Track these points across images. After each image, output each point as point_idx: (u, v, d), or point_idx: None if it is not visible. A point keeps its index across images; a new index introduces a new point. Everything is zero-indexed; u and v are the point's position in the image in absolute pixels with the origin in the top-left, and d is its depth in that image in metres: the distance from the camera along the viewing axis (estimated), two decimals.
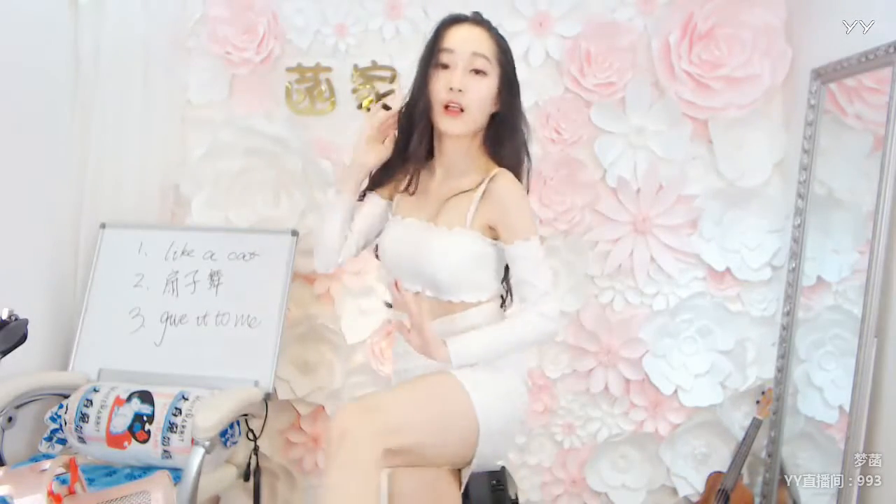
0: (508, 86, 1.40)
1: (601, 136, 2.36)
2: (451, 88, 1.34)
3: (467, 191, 1.41)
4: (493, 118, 1.44)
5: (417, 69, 1.42)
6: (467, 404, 1.38)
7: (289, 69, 2.45)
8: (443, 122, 1.38)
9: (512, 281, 1.47)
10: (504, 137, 1.42)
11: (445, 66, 1.36)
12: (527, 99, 2.32)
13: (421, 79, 1.40)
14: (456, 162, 1.46)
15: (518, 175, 1.46)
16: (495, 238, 1.43)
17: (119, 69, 2.32)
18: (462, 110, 1.35)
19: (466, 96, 1.34)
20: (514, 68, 1.42)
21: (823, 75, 2.11)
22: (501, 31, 2.31)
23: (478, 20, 1.40)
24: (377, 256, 1.61)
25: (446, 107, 1.36)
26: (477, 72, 1.35)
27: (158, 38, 2.38)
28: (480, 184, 1.40)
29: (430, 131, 1.46)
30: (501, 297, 1.58)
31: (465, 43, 1.34)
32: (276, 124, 2.43)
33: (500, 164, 1.44)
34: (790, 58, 2.27)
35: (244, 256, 2.28)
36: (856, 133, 2.05)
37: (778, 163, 2.33)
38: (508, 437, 1.52)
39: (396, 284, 1.38)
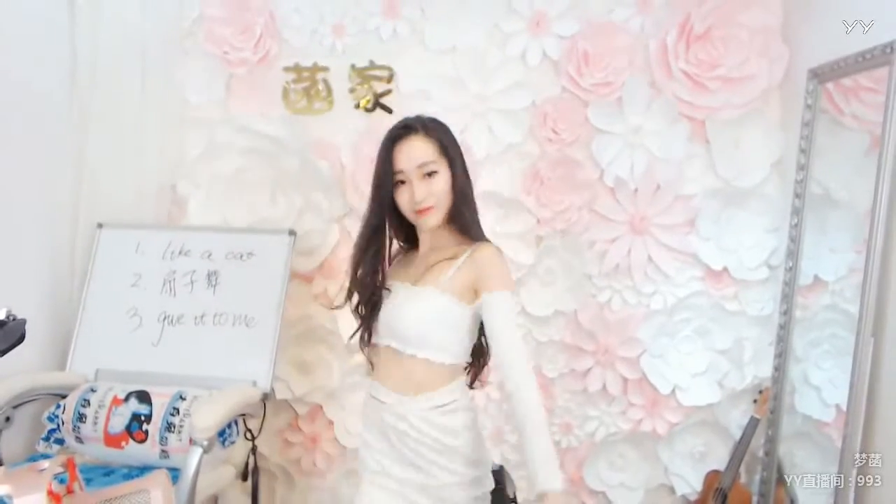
0: (456, 167, 1.54)
1: (598, 135, 2.36)
2: (414, 201, 1.50)
3: (450, 258, 1.54)
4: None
5: (376, 186, 1.54)
6: None
7: (286, 69, 2.45)
8: (420, 222, 1.53)
9: (487, 333, 1.51)
10: (462, 206, 1.55)
11: (403, 182, 1.51)
12: (524, 99, 2.37)
13: (384, 195, 1.53)
14: (437, 239, 1.59)
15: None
16: (471, 303, 1.51)
17: (116, 69, 2.31)
18: (431, 207, 1.51)
19: (430, 198, 1.50)
20: (457, 150, 1.56)
21: (820, 75, 2.11)
22: (499, 32, 2.37)
23: (413, 128, 1.52)
24: None
25: (418, 211, 1.51)
26: (430, 174, 1.50)
27: (155, 38, 2.38)
28: (464, 252, 1.54)
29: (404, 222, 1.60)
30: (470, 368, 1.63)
31: (410, 160, 1.49)
32: (274, 124, 2.43)
33: (466, 234, 1.57)
34: (787, 58, 2.28)
35: (241, 256, 2.28)
36: (853, 133, 2.06)
37: (775, 162, 2.34)
38: None
39: None
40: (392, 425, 1.50)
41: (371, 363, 1.64)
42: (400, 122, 1.56)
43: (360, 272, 1.58)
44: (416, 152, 1.50)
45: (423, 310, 1.50)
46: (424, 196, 1.49)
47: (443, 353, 1.51)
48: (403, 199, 1.52)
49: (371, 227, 1.57)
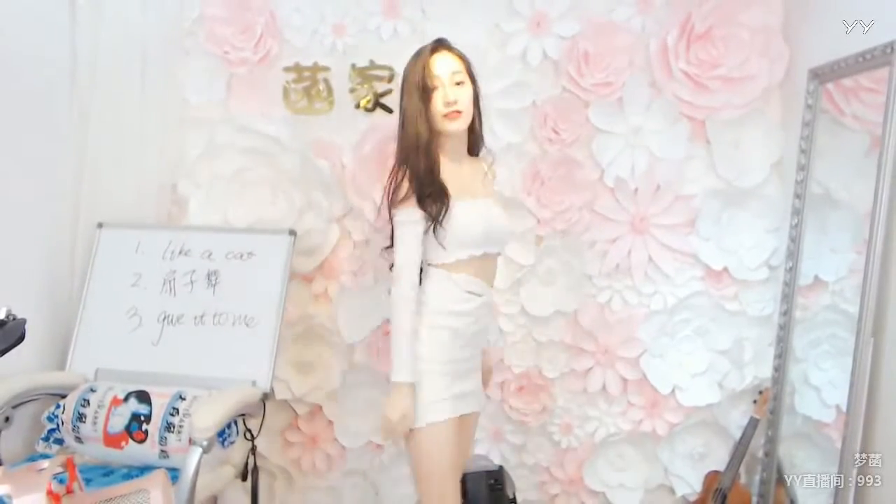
0: (476, 87, 1.84)
1: (599, 135, 2.36)
2: (447, 103, 1.75)
3: (484, 173, 1.92)
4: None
5: (411, 92, 1.77)
6: None
7: (286, 69, 2.44)
8: (448, 125, 1.78)
9: None
10: (480, 122, 1.90)
11: (435, 88, 1.76)
12: (524, 99, 2.36)
13: (420, 100, 1.76)
14: (457, 150, 1.87)
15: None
16: None
17: (117, 68, 2.31)
18: (459, 112, 1.77)
19: (459, 102, 1.77)
20: (474, 73, 1.84)
21: (821, 75, 2.11)
22: (499, 32, 2.37)
23: (447, 46, 1.82)
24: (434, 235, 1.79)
25: (446, 115, 1.76)
26: (458, 83, 1.78)
27: (156, 38, 2.38)
28: (485, 167, 1.94)
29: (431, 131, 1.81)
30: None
31: (446, 67, 1.78)
32: (274, 124, 2.43)
33: (478, 149, 1.94)
34: (787, 58, 2.28)
35: (242, 256, 2.27)
36: (853, 133, 2.06)
37: (775, 163, 2.34)
38: None
39: None
40: (483, 313, 1.84)
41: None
42: (433, 40, 1.83)
43: (433, 181, 1.74)
44: (451, 61, 1.79)
45: (506, 219, 1.88)
46: (455, 97, 1.75)
47: None
48: (435, 101, 1.76)
49: (423, 135, 1.75)
